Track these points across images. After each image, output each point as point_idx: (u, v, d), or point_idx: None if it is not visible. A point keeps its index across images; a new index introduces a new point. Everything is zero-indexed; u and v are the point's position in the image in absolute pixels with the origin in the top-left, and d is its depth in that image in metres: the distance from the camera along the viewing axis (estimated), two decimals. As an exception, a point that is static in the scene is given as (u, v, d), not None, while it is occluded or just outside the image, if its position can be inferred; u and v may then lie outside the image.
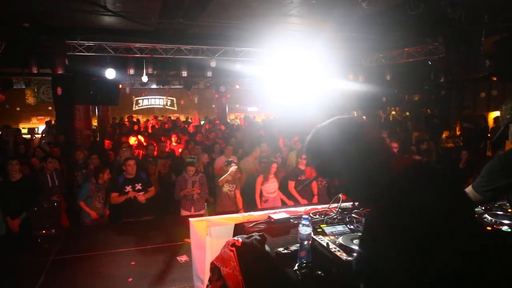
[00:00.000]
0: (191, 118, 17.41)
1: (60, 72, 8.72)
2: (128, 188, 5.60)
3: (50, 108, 17.87)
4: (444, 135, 11.91)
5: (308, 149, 1.31)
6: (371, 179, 1.21)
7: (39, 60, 8.87)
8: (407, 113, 14.79)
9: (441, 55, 9.19)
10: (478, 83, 12.54)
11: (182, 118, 18.97)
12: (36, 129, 16.83)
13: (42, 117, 18.31)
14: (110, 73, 9.63)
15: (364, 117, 15.37)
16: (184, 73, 10.64)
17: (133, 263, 4.25)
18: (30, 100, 18.81)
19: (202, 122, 15.23)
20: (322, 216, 2.66)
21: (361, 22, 7.84)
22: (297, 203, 5.99)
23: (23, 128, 17.82)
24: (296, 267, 1.91)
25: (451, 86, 12.49)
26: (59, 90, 9.72)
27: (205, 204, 6.11)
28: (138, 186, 5.66)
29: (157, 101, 22.04)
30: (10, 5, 6.96)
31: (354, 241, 2.06)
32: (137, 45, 9.40)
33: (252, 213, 2.86)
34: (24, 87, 17.43)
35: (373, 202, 1.25)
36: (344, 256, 1.92)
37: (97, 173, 5.81)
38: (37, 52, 8.62)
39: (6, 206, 5.14)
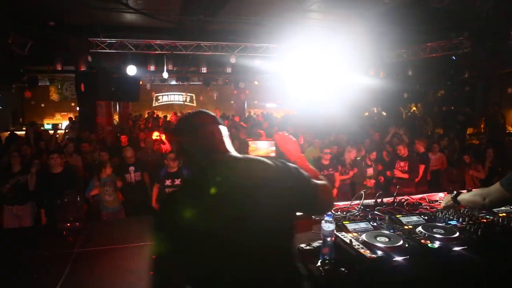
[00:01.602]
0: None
1: (83, 69, 8.91)
2: (168, 182, 5.63)
3: (73, 104, 18.29)
4: (468, 132, 11.59)
5: (178, 125, 1.61)
6: (192, 162, 1.49)
7: (63, 58, 9.09)
8: (441, 107, 14.14)
9: (466, 50, 8.93)
10: (505, 79, 12.11)
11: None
12: (60, 125, 17.25)
13: (66, 113, 18.79)
14: (131, 70, 9.78)
15: (384, 113, 15.10)
16: (204, 69, 10.71)
17: (154, 257, 4.30)
18: (54, 96, 19.31)
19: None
20: (344, 213, 2.64)
21: (382, 16, 7.70)
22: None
23: (47, 123, 18.31)
24: (319, 264, 1.90)
25: (476, 82, 12.12)
26: (83, 87, 9.91)
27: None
28: (177, 182, 5.66)
29: (177, 97, 22.23)
30: (36, 5, 7.14)
31: (378, 239, 2.03)
32: (158, 42, 9.51)
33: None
34: (48, 84, 17.90)
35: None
36: (368, 253, 1.90)
37: (100, 168, 5.85)
38: (61, 49, 8.83)
39: (47, 197, 5.33)
